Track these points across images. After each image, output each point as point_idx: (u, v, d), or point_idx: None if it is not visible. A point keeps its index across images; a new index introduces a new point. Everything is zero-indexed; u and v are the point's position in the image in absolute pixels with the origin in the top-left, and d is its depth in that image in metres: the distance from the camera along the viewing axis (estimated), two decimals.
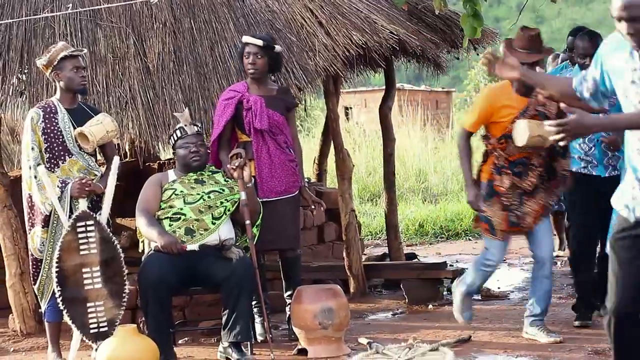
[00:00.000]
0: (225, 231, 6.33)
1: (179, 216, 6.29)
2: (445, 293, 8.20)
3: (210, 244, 6.22)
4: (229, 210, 6.40)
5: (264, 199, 6.66)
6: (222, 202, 6.39)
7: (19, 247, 7.24)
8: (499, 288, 8.62)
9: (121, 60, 7.28)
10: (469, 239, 12.84)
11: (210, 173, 6.55)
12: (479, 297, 8.23)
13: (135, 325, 6.00)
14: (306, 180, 10.24)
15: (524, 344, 6.33)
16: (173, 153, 6.61)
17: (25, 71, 7.20)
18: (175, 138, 6.48)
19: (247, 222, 6.36)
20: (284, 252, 6.91)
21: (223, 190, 6.45)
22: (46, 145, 6.16)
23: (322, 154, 10.43)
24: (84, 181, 6.07)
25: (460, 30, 7.88)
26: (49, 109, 6.22)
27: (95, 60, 7.23)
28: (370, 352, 5.90)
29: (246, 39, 6.77)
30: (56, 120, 6.19)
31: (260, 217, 6.56)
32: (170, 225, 6.26)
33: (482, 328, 6.90)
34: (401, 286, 8.17)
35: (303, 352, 6.28)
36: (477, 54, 9.23)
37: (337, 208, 8.40)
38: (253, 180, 6.54)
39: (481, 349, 6.26)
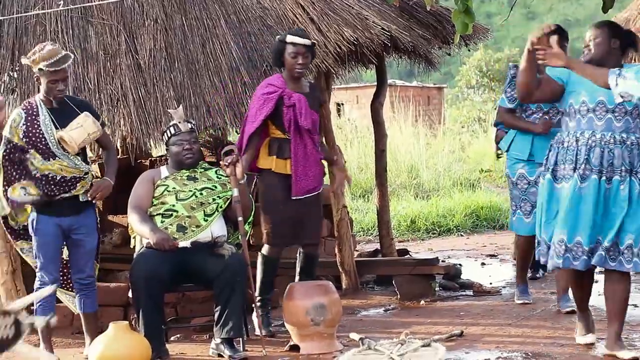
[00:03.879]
0: (217, 228, 6.33)
1: (170, 213, 6.29)
2: (437, 289, 8.21)
3: (203, 240, 6.22)
4: (221, 207, 6.40)
5: (297, 197, 6.69)
6: (214, 199, 6.39)
7: (10, 245, 7.22)
8: (491, 284, 8.63)
9: (112, 57, 7.27)
10: (461, 235, 12.87)
11: (202, 170, 6.54)
12: (471, 293, 8.26)
13: (128, 322, 6.00)
14: None
15: (516, 340, 6.35)
16: (166, 150, 6.60)
17: (17, 69, 7.19)
18: (169, 135, 6.46)
19: (240, 218, 6.36)
20: (307, 247, 6.93)
21: (215, 187, 6.45)
22: (29, 147, 6.12)
23: None
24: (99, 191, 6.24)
25: (451, 26, 7.89)
26: (31, 110, 6.17)
27: (86, 58, 7.22)
28: (362, 348, 5.91)
29: (293, 39, 6.69)
30: (38, 123, 6.14)
31: (252, 213, 6.57)
32: (162, 222, 6.26)
33: (474, 323, 6.91)
34: (393, 282, 8.17)
35: (295, 348, 6.29)
36: (469, 50, 9.25)
37: (329, 204, 8.41)
38: (246, 177, 6.54)
39: (473, 344, 6.26)
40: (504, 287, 8.49)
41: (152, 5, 7.45)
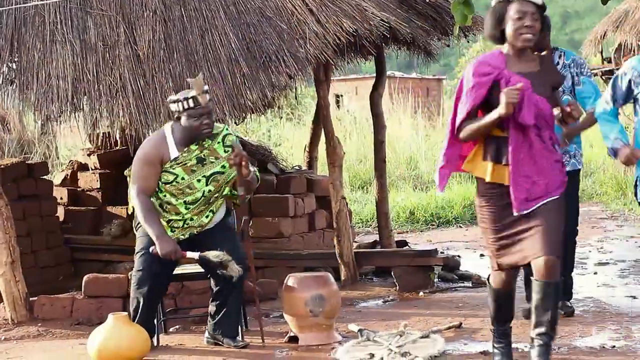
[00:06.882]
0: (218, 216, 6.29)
1: (181, 223, 6.14)
2: (435, 280, 8.22)
3: (211, 258, 6.03)
4: (226, 194, 6.24)
5: (521, 212, 4.96)
6: (221, 189, 6.17)
7: (9, 235, 7.22)
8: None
9: (111, 48, 7.27)
10: (460, 226, 12.87)
11: (209, 143, 6.12)
12: (470, 285, 8.26)
13: (127, 313, 6.00)
14: (297, 166, 10.28)
15: (514, 331, 6.33)
16: (177, 118, 6.01)
17: (16, 59, 7.19)
18: (186, 107, 5.96)
19: (245, 218, 6.28)
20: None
21: (224, 168, 6.12)
22: None
23: (312, 141, 10.44)
24: None
25: (450, 18, 7.89)
26: None
27: (85, 49, 7.22)
28: (361, 340, 5.91)
29: None
30: None
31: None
32: (172, 232, 6.08)
33: (473, 315, 6.91)
34: (392, 273, 8.18)
35: (294, 339, 6.29)
36: (468, 42, 9.25)
37: (328, 196, 8.41)
38: (253, 170, 6.27)
39: (472, 335, 6.27)
40: None
41: None
